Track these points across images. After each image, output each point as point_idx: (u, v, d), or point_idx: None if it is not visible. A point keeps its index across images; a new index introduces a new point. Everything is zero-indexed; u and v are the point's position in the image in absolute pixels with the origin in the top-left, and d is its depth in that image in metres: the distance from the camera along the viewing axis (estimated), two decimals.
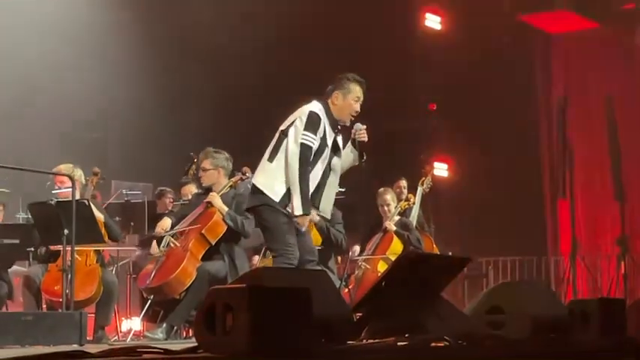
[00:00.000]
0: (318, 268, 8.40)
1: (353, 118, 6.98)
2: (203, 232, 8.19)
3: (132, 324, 9.51)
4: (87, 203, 8.03)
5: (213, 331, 4.45)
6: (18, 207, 10.27)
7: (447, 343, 5.00)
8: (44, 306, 8.44)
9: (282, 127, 6.87)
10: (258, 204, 6.82)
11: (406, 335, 5.19)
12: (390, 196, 9.71)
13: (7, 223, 9.39)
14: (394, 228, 9.47)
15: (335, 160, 6.91)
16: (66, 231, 7.49)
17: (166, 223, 8.37)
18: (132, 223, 9.95)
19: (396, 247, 9.34)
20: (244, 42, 12.48)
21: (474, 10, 13.75)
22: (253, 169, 7.25)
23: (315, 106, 6.87)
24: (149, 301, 8.51)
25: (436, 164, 13.77)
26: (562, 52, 14.90)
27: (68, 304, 7.32)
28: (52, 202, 8.01)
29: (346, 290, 9.18)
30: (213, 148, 8.52)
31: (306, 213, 6.71)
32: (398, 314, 5.43)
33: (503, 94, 13.60)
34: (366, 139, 6.97)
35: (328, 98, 6.94)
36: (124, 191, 10.54)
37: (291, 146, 6.72)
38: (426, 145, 13.93)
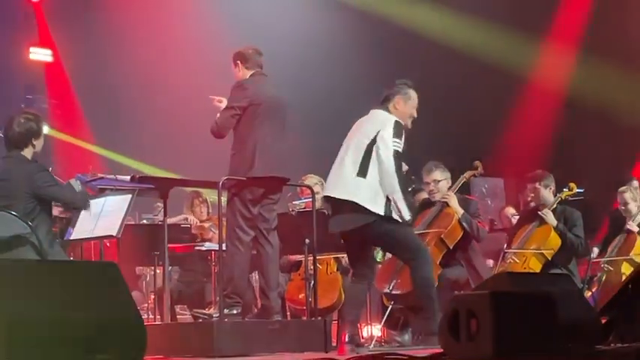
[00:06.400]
0: (560, 271, 8.29)
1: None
2: (442, 237, 8.19)
3: (373, 330, 9.62)
4: (327, 213, 8.20)
5: (457, 337, 4.46)
6: None
7: None
8: (288, 314, 8.69)
9: (365, 141, 6.90)
10: (368, 221, 6.82)
11: None
12: (629, 195, 9.40)
13: None
14: (637, 229, 9.16)
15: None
16: (307, 240, 7.67)
17: None
18: None
19: None
20: None
21: None
22: None
23: (391, 116, 6.99)
24: (389, 308, 8.56)
25: None
26: None
27: (312, 311, 7.49)
28: (293, 213, 8.25)
29: (589, 293, 8.96)
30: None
31: (412, 217, 6.96)
32: None
33: None
34: None
35: (389, 104, 7.07)
36: None
37: (384, 155, 6.79)
38: None
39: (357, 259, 7.13)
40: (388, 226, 6.83)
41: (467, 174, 8.54)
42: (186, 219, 9.32)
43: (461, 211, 8.21)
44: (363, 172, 6.83)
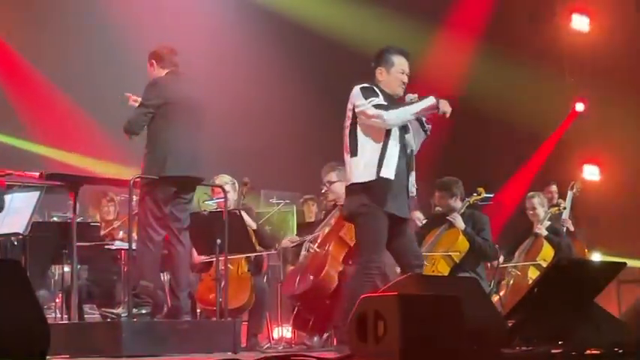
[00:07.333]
0: (468, 274, 8.39)
1: (404, 88, 6.77)
2: (341, 234, 8.23)
3: (283, 331, 9.64)
4: (238, 213, 8.20)
5: (365, 339, 4.48)
6: None
7: (602, 351, 4.91)
8: (198, 314, 8.65)
9: (346, 125, 6.68)
10: (357, 205, 6.57)
11: (560, 343, 5.12)
12: (537, 201, 9.54)
13: None
14: (545, 233, 9.31)
15: (407, 136, 6.72)
16: (218, 240, 7.64)
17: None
18: (281, 232, 10.09)
19: (547, 252, 9.17)
20: None
21: (624, 9, 13.41)
22: None
23: (357, 85, 6.68)
24: (296, 309, 8.61)
25: (586, 167, 13.49)
26: None
27: (222, 312, 7.47)
28: (205, 213, 8.22)
29: (497, 297, 9.08)
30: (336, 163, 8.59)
31: (434, 99, 6.56)
32: (551, 321, 5.35)
33: None
34: None
35: (374, 77, 6.77)
36: (273, 200, 10.71)
37: (374, 118, 6.50)
38: (576, 149, 13.64)
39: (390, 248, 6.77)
40: (362, 215, 6.56)
41: None
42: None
43: None
44: (354, 151, 6.62)
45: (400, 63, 6.81)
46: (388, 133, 6.61)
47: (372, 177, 6.50)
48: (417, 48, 12.72)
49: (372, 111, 6.54)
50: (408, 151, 6.73)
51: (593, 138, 13.56)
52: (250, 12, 12.98)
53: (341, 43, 12.69)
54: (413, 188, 6.77)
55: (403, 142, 6.68)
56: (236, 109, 12.29)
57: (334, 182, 8.45)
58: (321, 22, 12.94)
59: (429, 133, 6.86)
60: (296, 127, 12.61)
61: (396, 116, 6.56)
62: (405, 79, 6.81)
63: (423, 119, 6.82)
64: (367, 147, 6.59)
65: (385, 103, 6.59)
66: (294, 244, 9.01)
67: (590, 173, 13.61)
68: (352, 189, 6.63)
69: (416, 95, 6.77)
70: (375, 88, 6.70)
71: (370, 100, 6.57)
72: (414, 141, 6.82)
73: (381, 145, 6.57)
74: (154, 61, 7.41)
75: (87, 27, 12.52)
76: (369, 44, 12.51)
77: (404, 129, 6.71)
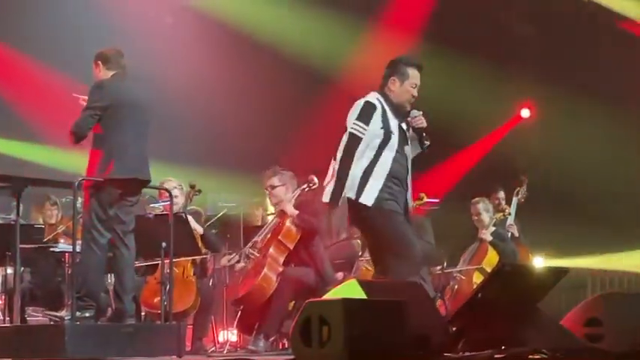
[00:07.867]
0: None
1: (411, 103, 6.68)
2: (279, 237, 8.23)
3: (229, 335, 9.61)
4: (184, 217, 8.16)
5: (309, 343, 4.49)
6: None
7: (544, 356, 4.95)
8: (142, 316, 8.60)
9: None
10: (365, 211, 6.46)
11: (503, 348, 5.16)
12: (482, 206, 9.61)
13: None
14: (490, 238, 9.39)
15: (406, 148, 6.64)
16: (164, 244, 7.60)
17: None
18: (228, 236, 10.07)
19: (492, 258, 9.25)
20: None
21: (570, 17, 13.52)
22: None
23: (372, 96, 6.61)
24: (239, 312, 8.59)
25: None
26: None
27: (167, 315, 7.43)
28: (151, 216, 8.17)
29: (441, 302, 9.13)
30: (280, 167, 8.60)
31: (331, 201, 6.40)
32: (494, 326, 5.39)
33: (601, 99, 13.29)
34: (424, 124, 6.68)
35: (385, 85, 6.66)
36: (220, 204, 10.70)
37: (343, 137, 6.50)
38: (521, 155, 13.72)
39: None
40: (374, 212, 6.45)
41: (305, 186, 8.53)
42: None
43: (295, 212, 8.24)
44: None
45: (414, 76, 6.68)
46: (382, 146, 6.50)
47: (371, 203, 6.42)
48: (352, 46, 12.74)
49: (344, 138, 6.46)
50: (407, 163, 6.65)
51: (539, 144, 13.66)
52: (189, 16, 12.93)
53: (280, 47, 12.64)
54: (410, 202, 6.75)
55: (403, 154, 6.60)
56: (184, 112, 12.25)
57: (276, 186, 8.43)
58: (258, 25, 12.84)
59: (426, 150, 6.80)
60: (245, 130, 12.56)
61: (339, 163, 6.44)
62: (416, 93, 6.68)
63: (424, 134, 6.74)
64: (363, 160, 6.49)
65: (361, 137, 6.45)
66: (231, 262, 9.00)
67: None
68: (350, 202, 6.47)
69: (421, 112, 6.70)
70: (373, 112, 6.54)
71: (355, 124, 6.46)
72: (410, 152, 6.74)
73: (369, 161, 6.50)
74: (99, 63, 7.36)
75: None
76: (307, 47, 12.58)
77: (404, 140, 6.63)
